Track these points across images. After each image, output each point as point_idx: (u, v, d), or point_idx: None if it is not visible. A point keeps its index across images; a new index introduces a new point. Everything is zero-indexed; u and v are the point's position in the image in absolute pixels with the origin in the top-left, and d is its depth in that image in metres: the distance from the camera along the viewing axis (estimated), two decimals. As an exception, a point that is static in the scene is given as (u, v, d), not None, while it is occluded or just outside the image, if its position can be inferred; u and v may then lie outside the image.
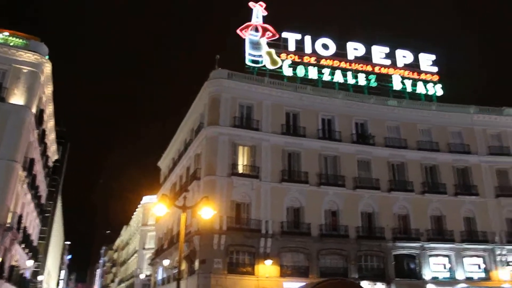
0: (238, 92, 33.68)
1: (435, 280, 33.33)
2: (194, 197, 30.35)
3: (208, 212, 13.09)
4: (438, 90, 40.01)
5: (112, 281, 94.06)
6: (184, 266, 31.59)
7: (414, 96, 39.39)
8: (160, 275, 42.20)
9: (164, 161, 49.29)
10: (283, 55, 37.11)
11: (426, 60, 40.99)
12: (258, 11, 37.92)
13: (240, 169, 31.85)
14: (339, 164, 34.16)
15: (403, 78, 39.53)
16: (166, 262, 35.28)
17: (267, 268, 29.90)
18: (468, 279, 33.86)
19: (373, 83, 38.47)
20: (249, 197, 31.33)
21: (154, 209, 13.22)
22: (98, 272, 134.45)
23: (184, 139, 39.98)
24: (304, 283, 27.63)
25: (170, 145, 45.96)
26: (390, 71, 39.50)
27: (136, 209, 72.09)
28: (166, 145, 47.01)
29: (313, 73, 37.23)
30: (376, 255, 32.95)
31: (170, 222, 38.83)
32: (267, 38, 37.24)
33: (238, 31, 37.05)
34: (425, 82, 40.02)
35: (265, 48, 36.92)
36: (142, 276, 55.58)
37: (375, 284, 31.79)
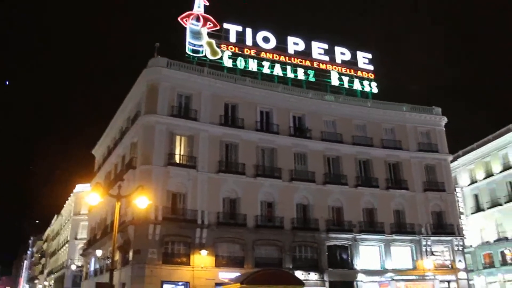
0: (177, 81, 35.25)
1: (366, 269, 36.86)
2: (129, 187, 31.31)
3: (143, 202, 13.55)
4: (373, 87, 43.83)
5: (41, 272, 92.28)
6: (117, 256, 32.76)
7: (350, 92, 42.76)
8: (92, 266, 43.04)
9: (99, 149, 49.92)
10: (224, 46, 39.16)
11: (363, 58, 44.51)
12: (200, 1, 39.86)
13: (177, 159, 33.42)
14: (276, 156, 36.67)
15: (341, 74, 42.88)
16: (99, 253, 36.33)
17: (202, 258, 31.61)
18: (396, 269, 37.68)
19: (312, 78, 41.51)
20: (186, 188, 32.99)
21: (88, 198, 13.53)
22: (25, 263, 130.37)
23: (120, 127, 41.03)
24: (239, 274, 30.12)
25: (105, 133, 46.68)
26: (329, 67, 42.68)
27: (68, 198, 71.64)
28: (101, 133, 47.75)
29: (253, 66, 39.66)
30: (310, 245, 35.85)
31: (104, 212, 39.79)
32: (208, 28, 39.16)
33: (179, 19, 38.76)
34: (362, 79, 43.69)
35: (205, 38, 38.80)
36: (73, 267, 55.75)
37: (308, 274, 34.52)
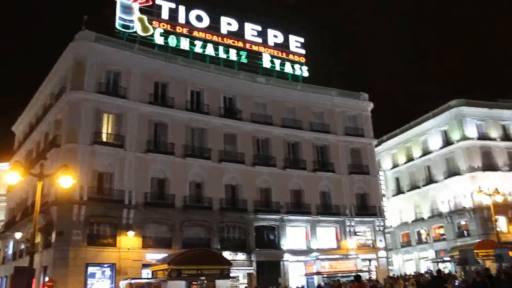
0: (105, 57, 34.61)
1: (292, 249, 38.52)
2: (52, 165, 30.42)
3: (67, 181, 13.22)
4: (304, 71, 45.28)
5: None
6: (39, 238, 32.13)
7: (281, 75, 43.96)
8: (10, 249, 41.66)
9: (19, 126, 47.77)
10: (155, 23, 38.81)
11: (295, 42, 45.83)
12: (132, -26, 38.98)
13: (104, 138, 33.12)
14: (206, 137, 37.21)
15: (273, 57, 43.87)
16: (18, 235, 35.24)
17: (129, 239, 31.72)
18: (321, 248, 39.68)
19: (244, 59, 42.15)
20: (113, 167, 32.81)
21: (6, 177, 13.03)
22: None
23: (43, 103, 39.61)
24: (167, 255, 30.47)
25: (27, 109, 44.72)
26: (261, 49, 43.55)
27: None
28: (23, 108, 45.69)
29: (185, 44, 39.63)
30: (238, 226, 36.93)
31: (24, 192, 38.46)
32: (140, 3, 38.53)
33: (109, -8, 37.78)
34: (293, 62, 44.95)
35: (137, 13, 38.19)
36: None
37: (236, 254, 35.62)
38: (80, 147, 31.94)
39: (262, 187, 38.85)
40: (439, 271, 24.41)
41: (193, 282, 27.69)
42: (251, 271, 35.64)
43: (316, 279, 37.11)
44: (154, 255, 31.73)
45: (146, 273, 31.23)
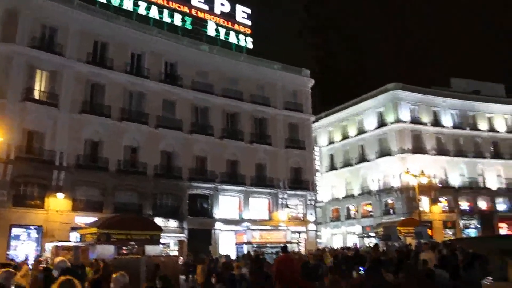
0: (41, 11, 33.27)
1: (224, 219, 39.59)
2: (-23, 121, 29.79)
3: None
4: (248, 43, 45.63)
5: None
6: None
7: (226, 45, 44.15)
8: None
9: None
10: (97, -21, 37.68)
11: (242, 12, 46.00)
12: None
13: (37, 95, 32.25)
14: (144, 102, 37.07)
15: (218, 25, 43.88)
16: None
17: (58, 202, 31.37)
18: (253, 219, 41.02)
19: (188, 25, 41.87)
20: (45, 126, 32.09)
21: None
22: None
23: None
24: (97, 219, 30.44)
25: None
26: (207, 16, 43.41)
27: None
28: None
29: (128, 4, 38.72)
30: (172, 193, 37.40)
31: None
32: (81, -44, 37.18)
33: None
34: (238, 33, 45.18)
35: (77, -33, 36.86)
36: None
37: (168, 221, 36.19)
38: (9, 103, 30.92)
39: (198, 156, 39.35)
40: (357, 250, 25.86)
41: (123, 247, 27.90)
42: (182, 238, 36.40)
43: (245, 249, 38.46)
44: (84, 219, 31.44)
45: (75, 236, 31.07)
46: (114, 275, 7.88)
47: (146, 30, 38.70)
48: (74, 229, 31.17)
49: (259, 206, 42.34)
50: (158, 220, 33.99)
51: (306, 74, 48.24)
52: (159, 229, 30.11)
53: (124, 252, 27.95)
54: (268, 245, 37.42)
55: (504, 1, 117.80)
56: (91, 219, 30.76)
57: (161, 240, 30.14)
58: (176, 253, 35.73)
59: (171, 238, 35.79)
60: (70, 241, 29.81)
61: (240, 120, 42.44)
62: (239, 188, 40.85)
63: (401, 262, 14.17)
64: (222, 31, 43.95)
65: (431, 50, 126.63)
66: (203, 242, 36.65)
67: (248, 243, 38.15)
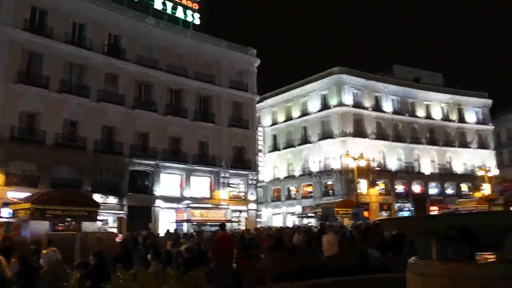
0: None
1: (165, 196, 39.96)
2: None
3: None
4: (196, 18, 45.58)
5: None
6: None
7: (173, 19, 43.90)
8: None
9: None
10: None
11: (190, -14, 45.83)
12: None
13: (-33, 63, 31.07)
14: (85, 74, 36.43)
15: (165, -1, 43.54)
16: None
17: (-11, 175, 30.74)
18: (194, 197, 41.65)
19: (134, -3, 41.27)
20: (-24, 96, 31.07)
21: None
22: None
23: None
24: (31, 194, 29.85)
25: None
26: (154, -12, 42.94)
27: None
28: None
29: (70, -30, 37.64)
30: (112, 169, 37.23)
31: None
32: None
33: None
34: (185, 7, 44.98)
35: None
36: None
37: (107, 197, 36.09)
38: None
39: (141, 132, 39.34)
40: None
41: (59, 224, 27.69)
42: (121, 215, 36.50)
43: (185, 226, 39.06)
44: (18, 194, 30.69)
45: (7, 212, 30.49)
46: (44, 251, 8.17)
47: (89, 0, 37.71)
48: (6, 204, 30.54)
49: (200, 184, 42.96)
50: (97, 197, 33.78)
51: (253, 54, 48.85)
52: (97, 205, 29.92)
53: (61, 228, 27.86)
54: (208, 223, 38.27)
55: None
56: (25, 194, 30.14)
57: (100, 217, 30.12)
58: (115, 230, 35.90)
59: (110, 215, 35.79)
60: (1, 216, 29.26)
61: (184, 97, 42.56)
62: (181, 165, 41.22)
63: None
64: (169, 5, 43.63)
65: (377, 37, 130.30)
66: (143, 220, 36.95)
67: (188, 221, 38.83)
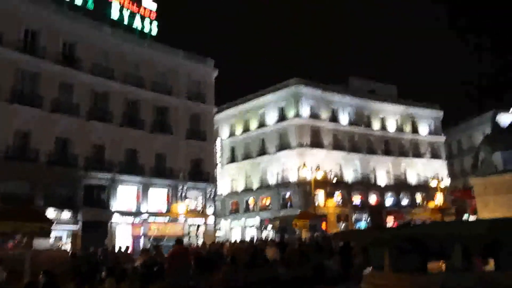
0: None
1: (121, 210, 39.07)
2: None
3: None
4: (153, 28, 45.16)
5: None
6: None
7: (129, 29, 43.32)
8: None
9: None
10: None
11: (148, -4, 45.44)
12: None
13: None
14: (38, 83, 35.30)
15: (122, 8, 42.86)
16: None
17: None
18: (151, 211, 40.98)
19: (90, 6, 40.33)
20: None
21: None
22: None
23: None
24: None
25: None
26: (111, -3, 42.31)
27: None
28: None
29: (22, -24, 36.61)
30: (66, 183, 36.02)
31: None
32: None
33: None
34: (143, 17, 44.48)
35: None
36: None
37: (61, 212, 34.98)
38: None
39: (96, 143, 38.40)
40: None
41: (9, 240, 26.68)
42: (76, 231, 35.42)
43: (142, 241, 38.40)
44: (-36, 209, 29.54)
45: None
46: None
47: (43, 6, 36.70)
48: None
49: (158, 197, 42.31)
50: (51, 211, 33.02)
51: (211, 64, 48.89)
52: (49, 220, 29.00)
53: (11, 245, 26.80)
54: (166, 237, 37.77)
55: (404, 6, 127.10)
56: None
57: (53, 233, 29.21)
58: (69, 246, 34.83)
59: (63, 231, 34.75)
60: None
61: (141, 107, 42.00)
62: (138, 178, 40.51)
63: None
64: (126, 14, 43.04)
65: (333, 49, 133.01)
66: (98, 235, 35.90)
67: (145, 235, 38.20)
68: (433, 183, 55.69)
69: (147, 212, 40.50)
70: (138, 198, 40.81)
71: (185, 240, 35.79)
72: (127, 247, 26.35)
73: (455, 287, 3.54)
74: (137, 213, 40.08)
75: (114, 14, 42.16)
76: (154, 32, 45.16)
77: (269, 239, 36.66)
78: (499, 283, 3.47)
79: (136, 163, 40.68)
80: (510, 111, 57.52)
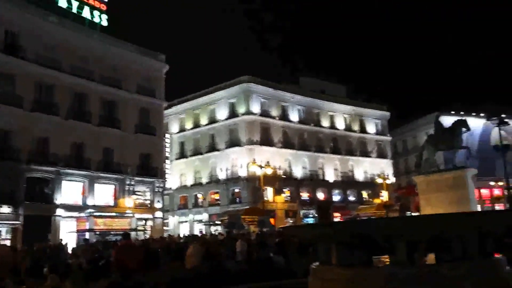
0: None
1: (66, 204, 38.15)
2: None
3: None
4: (103, 20, 44.14)
5: None
6: None
7: (78, 19, 42.12)
8: None
9: None
10: None
11: (98, -14, 44.36)
12: None
13: None
14: (-23, 73, 33.98)
15: (71, -4, 41.75)
16: None
17: None
18: (98, 205, 40.12)
19: (36, -7, 39.15)
20: None
21: None
22: None
23: None
24: None
25: None
26: (58, -15, 41.09)
27: None
28: None
29: (-38, -40, 35.10)
30: (7, 177, 34.84)
31: None
32: None
33: None
34: (92, 8, 43.41)
35: None
36: None
37: (1, 207, 33.97)
38: None
39: (40, 136, 37.25)
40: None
41: None
42: (16, 226, 34.36)
43: (88, 236, 37.62)
44: None
45: None
46: None
47: (-17, -8, 35.27)
48: None
49: (105, 192, 41.61)
50: (-12, 207, 31.88)
51: (162, 59, 48.33)
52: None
53: None
54: (112, 232, 37.21)
55: (350, 7, 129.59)
56: None
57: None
58: (8, 242, 33.74)
59: (3, 226, 33.69)
60: None
61: (88, 101, 41.02)
62: (84, 172, 39.65)
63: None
64: (75, 4, 41.86)
65: (285, 48, 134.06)
66: (41, 230, 34.97)
67: (91, 230, 37.49)
68: (379, 181, 57.18)
69: (93, 207, 39.67)
70: (84, 192, 39.99)
71: (133, 234, 35.33)
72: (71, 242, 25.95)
73: (398, 280, 3.75)
74: (83, 208, 39.23)
75: (62, 3, 40.93)
76: (104, 23, 44.18)
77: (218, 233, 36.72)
78: (441, 275, 3.74)
79: (82, 157, 39.76)
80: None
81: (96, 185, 40.77)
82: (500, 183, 56.48)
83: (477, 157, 49.57)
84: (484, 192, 60.94)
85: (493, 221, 4.16)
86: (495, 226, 4.10)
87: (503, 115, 48.57)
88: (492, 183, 59.72)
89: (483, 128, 63.91)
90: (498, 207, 53.66)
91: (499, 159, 44.45)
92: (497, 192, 62.31)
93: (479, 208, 35.91)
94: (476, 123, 60.77)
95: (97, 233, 37.54)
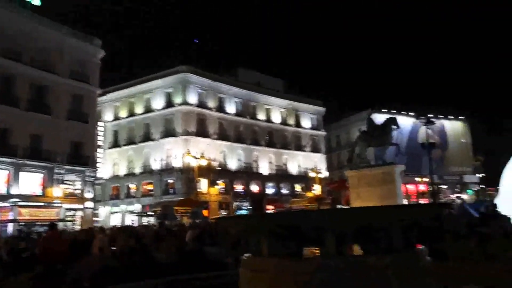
0: None
1: (-13, 193, 36.28)
2: None
3: None
4: (35, -1, 42.06)
5: None
6: None
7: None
8: None
9: None
10: None
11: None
12: None
13: None
14: None
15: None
16: None
17: None
18: (24, 194, 38.30)
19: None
20: None
21: None
22: None
23: None
24: None
25: None
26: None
27: None
28: None
29: None
30: None
31: None
32: None
33: None
34: (25, -14, 41.27)
35: None
36: None
37: None
38: None
39: (-39, 120, 35.11)
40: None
41: None
42: None
43: (11, 227, 36.00)
44: None
45: None
46: None
47: None
48: None
49: (31, 180, 39.74)
50: None
51: (98, 44, 46.64)
52: None
53: None
54: (38, 223, 35.82)
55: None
56: None
57: None
58: None
59: None
60: None
61: (16, 83, 38.81)
62: (9, 159, 37.66)
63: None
64: (4, -21, 39.64)
65: (223, 39, 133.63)
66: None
67: (14, 220, 35.90)
68: (312, 175, 58.45)
69: (18, 196, 37.86)
70: (8, 180, 38.07)
71: (61, 225, 34.13)
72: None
73: (327, 270, 3.82)
74: (6, 197, 37.32)
75: (-11, -22, 38.62)
76: (37, 2, 42.04)
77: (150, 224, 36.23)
78: (368, 265, 3.84)
79: (7, 143, 37.69)
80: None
81: (22, 173, 38.81)
82: (425, 179, 59.46)
83: (405, 154, 51.84)
84: (410, 187, 63.83)
85: (416, 214, 4.37)
86: (417, 218, 4.30)
87: (430, 115, 51.54)
88: (418, 179, 62.72)
89: (412, 126, 67.05)
90: (423, 201, 56.31)
91: (425, 156, 46.94)
92: (422, 187, 65.54)
93: (405, 203, 37.50)
94: (406, 122, 63.68)
95: (22, 223, 35.99)
